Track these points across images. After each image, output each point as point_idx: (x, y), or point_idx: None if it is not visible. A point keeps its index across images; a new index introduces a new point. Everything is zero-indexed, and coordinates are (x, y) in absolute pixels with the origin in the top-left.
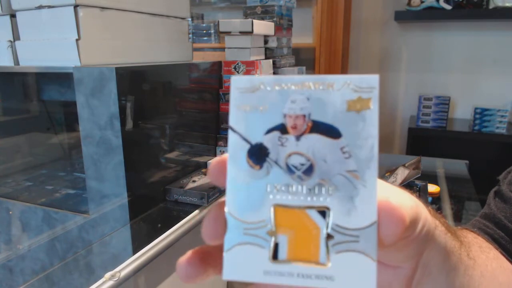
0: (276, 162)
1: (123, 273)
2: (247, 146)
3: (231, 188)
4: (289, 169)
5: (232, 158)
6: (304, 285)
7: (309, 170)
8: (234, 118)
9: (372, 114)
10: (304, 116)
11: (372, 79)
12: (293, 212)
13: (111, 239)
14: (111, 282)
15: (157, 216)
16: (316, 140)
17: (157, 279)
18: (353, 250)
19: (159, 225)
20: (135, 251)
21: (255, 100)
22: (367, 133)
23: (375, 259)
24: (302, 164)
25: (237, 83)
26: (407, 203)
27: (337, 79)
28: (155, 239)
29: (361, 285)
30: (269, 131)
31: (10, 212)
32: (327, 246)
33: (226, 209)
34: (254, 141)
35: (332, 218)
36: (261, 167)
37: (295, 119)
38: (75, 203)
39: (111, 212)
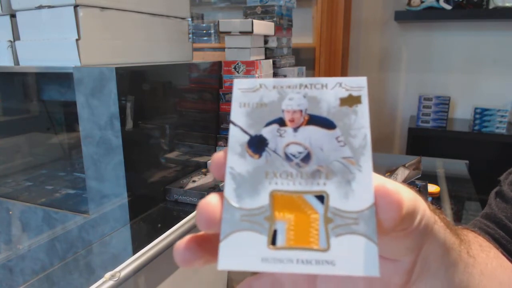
0: (274, 151)
1: (123, 273)
2: (247, 138)
3: (229, 176)
4: (287, 157)
5: (231, 149)
6: (304, 271)
7: (306, 158)
8: (235, 113)
9: (363, 108)
10: (301, 111)
11: (361, 80)
12: (291, 198)
13: (111, 239)
14: (111, 282)
15: (157, 216)
16: (312, 131)
17: (157, 279)
18: (353, 233)
19: (159, 225)
20: (135, 251)
21: (256, 98)
22: (359, 124)
23: (376, 241)
24: (300, 153)
25: (239, 84)
26: (405, 193)
27: (330, 81)
28: (155, 239)
29: (363, 269)
30: (268, 124)
31: (10, 212)
32: (326, 230)
33: (224, 196)
34: (253, 133)
35: (330, 201)
36: (260, 156)
37: (293, 113)
38: (75, 203)
39: (111, 212)
